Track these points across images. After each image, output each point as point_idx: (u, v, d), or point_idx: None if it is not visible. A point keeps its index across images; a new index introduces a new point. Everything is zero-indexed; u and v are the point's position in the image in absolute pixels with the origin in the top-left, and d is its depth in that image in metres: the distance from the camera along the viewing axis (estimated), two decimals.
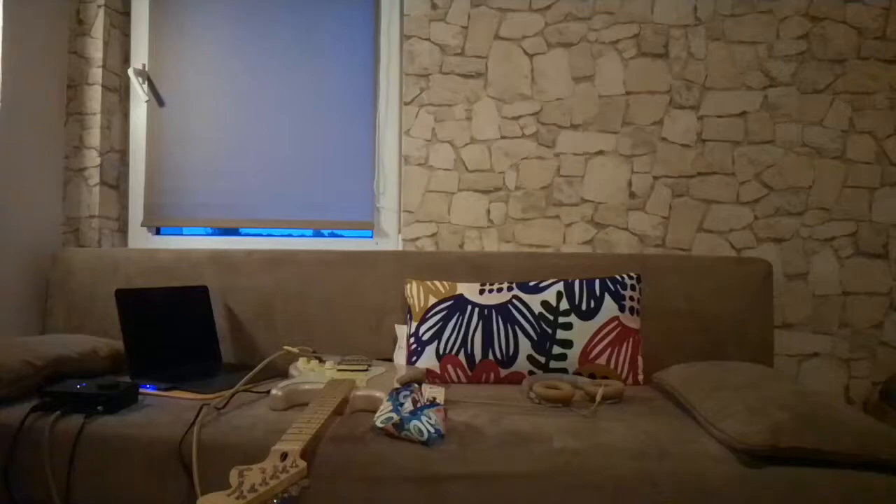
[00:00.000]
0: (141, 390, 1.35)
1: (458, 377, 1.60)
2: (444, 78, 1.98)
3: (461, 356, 1.59)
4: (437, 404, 1.15)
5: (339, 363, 1.48)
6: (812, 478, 0.96)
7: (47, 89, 1.98)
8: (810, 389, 1.29)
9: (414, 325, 1.66)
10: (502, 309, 1.61)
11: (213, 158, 2.11)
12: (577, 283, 1.64)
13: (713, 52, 1.91)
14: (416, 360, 1.62)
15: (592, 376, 1.56)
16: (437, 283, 1.71)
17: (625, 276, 1.66)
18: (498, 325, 1.59)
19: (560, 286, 1.63)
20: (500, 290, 1.65)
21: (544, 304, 1.61)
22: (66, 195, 2.05)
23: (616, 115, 1.93)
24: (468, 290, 1.66)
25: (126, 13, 2.14)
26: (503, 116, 1.96)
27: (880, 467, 0.97)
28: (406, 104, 2.00)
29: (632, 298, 1.63)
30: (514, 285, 1.65)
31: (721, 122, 1.90)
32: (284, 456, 0.88)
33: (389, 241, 2.07)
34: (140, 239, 2.15)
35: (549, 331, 1.58)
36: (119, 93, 2.13)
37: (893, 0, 1.86)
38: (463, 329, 1.60)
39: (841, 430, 0.99)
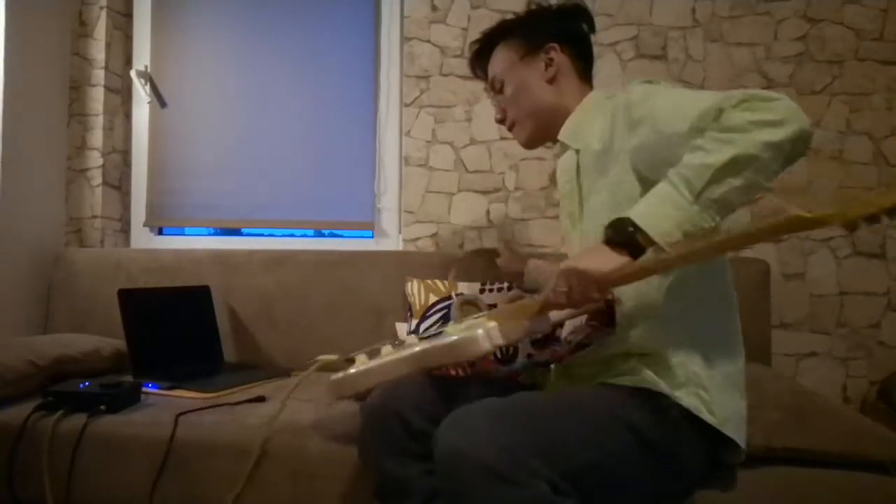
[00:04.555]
0: (143, 389, 1.36)
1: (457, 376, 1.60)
2: (444, 79, 1.99)
3: None
4: None
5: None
6: (806, 478, 0.97)
7: (50, 90, 2.00)
8: (807, 389, 1.31)
9: (414, 322, 1.67)
10: None
11: (214, 159, 2.12)
12: None
13: (711, 53, 1.92)
14: None
15: None
16: (437, 281, 1.72)
17: None
18: None
19: None
20: (500, 289, 1.66)
21: None
22: (68, 196, 2.06)
23: None
24: (468, 289, 1.67)
25: (128, 15, 2.16)
26: None
27: (873, 467, 0.98)
28: (406, 105, 2.01)
29: None
30: (513, 284, 1.66)
31: None
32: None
33: (390, 241, 2.08)
34: (142, 239, 2.17)
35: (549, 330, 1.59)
36: (121, 94, 2.14)
37: (891, 1, 1.87)
38: None
39: (834, 430, 1.00)
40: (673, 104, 0.90)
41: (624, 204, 0.92)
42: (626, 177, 0.96)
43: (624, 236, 0.84)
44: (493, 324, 0.88)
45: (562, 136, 1.10)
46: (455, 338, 0.92)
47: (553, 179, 1.96)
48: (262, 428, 1.15)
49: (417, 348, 0.96)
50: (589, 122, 1.06)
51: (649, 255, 0.83)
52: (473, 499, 0.76)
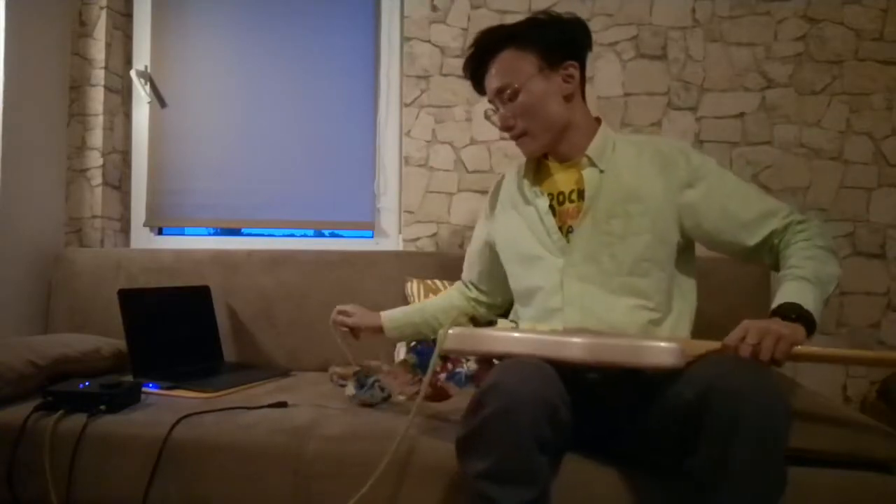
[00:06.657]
0: (143, 389, 1.36)
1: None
2: (444, 79, 1.99)
3: None
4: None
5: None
6: (806, 478, 0.97)
7: (50, 90, 1.99)
8: (807, 389, 1.31)
9: None
10: None
11: (214, 159, 2.12)
12: None
13: (711, 53, 1.92)
14: None
15: None
16: (437, 281, 1.72)
17: None
18: None
19: None
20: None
21: None
22: (68, 196, 2.06)
23: (614, 116, 1.94)
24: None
25: (128, 15, 2.16)
26: None
27: (874, 466, 0.98)
28: (406, 105, 2.01)
29: None
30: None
31: (719, 123, 1.91)
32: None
33: (390, 241, 2.08)
34: (142, 239, 2.17)
35: None
36: (121, 94, 2.14)
37: (891, 1, 1.87)
38: None
39: (834, 430, 1.00)
40: (736, 188, 1.13)
41: (659, 250, 1.11)
42: (672, 228, 1.14)
43: (800, 315, 0.95)
44: (676, 344, 0.89)
45: (591, 152, 1.17)
46: (643, 342, 0.92)
47: None
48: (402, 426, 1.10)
49: (589, 338, 0.93)
50: (612, 146, 1.19)
51: None
52: (782, 431, 0.82)
